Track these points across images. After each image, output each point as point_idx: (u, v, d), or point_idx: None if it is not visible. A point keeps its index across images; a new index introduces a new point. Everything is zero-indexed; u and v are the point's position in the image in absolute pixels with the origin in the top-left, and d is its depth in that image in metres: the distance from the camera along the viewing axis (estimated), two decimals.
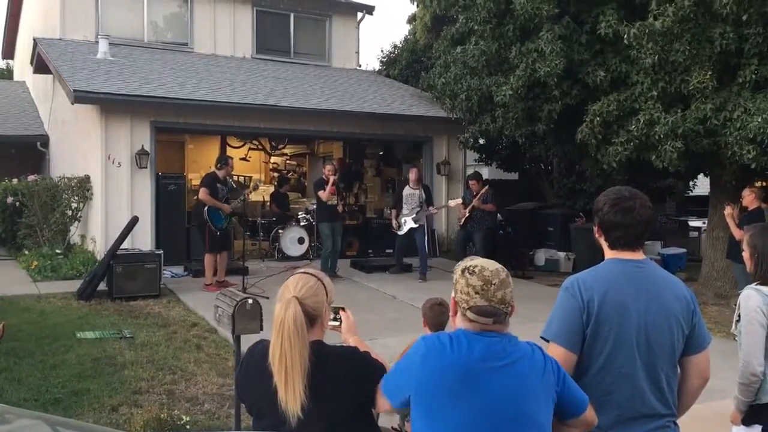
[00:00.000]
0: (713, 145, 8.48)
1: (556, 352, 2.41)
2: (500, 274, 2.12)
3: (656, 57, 8.25)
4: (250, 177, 17.09)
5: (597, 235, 2.58)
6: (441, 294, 3.75)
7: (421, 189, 11.28)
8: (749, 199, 8.36)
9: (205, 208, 9.46)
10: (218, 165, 9.98)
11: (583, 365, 2.42)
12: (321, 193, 10.63)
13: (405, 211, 11.18)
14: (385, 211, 14.40)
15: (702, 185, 14.86)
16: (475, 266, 2.14)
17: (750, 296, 3.19)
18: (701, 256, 11.86)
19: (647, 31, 8.10)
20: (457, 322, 2.16)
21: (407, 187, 11.33)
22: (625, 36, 8.30)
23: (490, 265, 2.15)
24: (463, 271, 2.15)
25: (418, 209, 11.06)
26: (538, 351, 2.15)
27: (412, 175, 11.31)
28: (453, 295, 2.19)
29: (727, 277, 9.85)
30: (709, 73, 8.06)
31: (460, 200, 11.89)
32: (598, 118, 8.95)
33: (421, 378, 2.08)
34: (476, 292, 2.09)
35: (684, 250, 13.02)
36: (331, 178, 10.60)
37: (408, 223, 11.09)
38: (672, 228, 14.59)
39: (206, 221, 9.47)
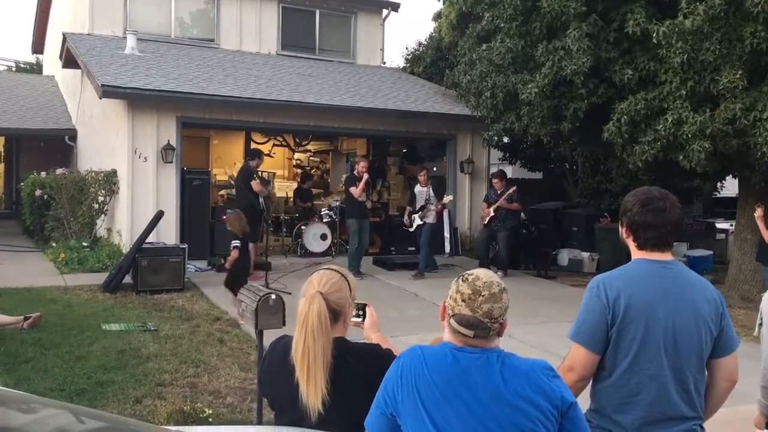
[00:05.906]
0: (742, 146, 8.33)
1: (577, 352, 2.41)
2: (492, 287, 2.00)
3: (685, 56, 8.12)
4: (274, 173, 17.17)
5: (624, 236, 2.54)
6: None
7: (429, 187, 11.51)
8: None
9: (260, 199, 10.09)
10: (254, 158, 10.76)
11: (609, 366, 2.40)
12: (353, 189, 10.68)
13: (417, 208, 11.51)
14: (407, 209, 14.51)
15: (730, 186, 14.64)
16: (470, 274, 2.05)
17: None
18: (728, 258, 11.70)
19: (677, 29, 7.97)
20: (445, 333, 2.08)
21: (417, 186, 11.64)
22: (654, 35, 8.18)
23: (486, 276, 2.04)
24: (458, 278, 2.07)
25: (424, 205, 11.30)
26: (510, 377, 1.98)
27: (421, 177, 11.58)
28: (445, 300, 2.11)
29: (755, 280, 9.72)
30: (740, 72, 7.91)
31: (451, 197, 12.02)
32: (625, 117, 8.84)
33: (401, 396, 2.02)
34: (463, 300, 1.99)
35: (711, 252, 12.84)
36: (365, 176, 10.69)
37: (416, 221, 11.38)
38: (698, 230, 14.38)
39: (263, 210, 10.15)
